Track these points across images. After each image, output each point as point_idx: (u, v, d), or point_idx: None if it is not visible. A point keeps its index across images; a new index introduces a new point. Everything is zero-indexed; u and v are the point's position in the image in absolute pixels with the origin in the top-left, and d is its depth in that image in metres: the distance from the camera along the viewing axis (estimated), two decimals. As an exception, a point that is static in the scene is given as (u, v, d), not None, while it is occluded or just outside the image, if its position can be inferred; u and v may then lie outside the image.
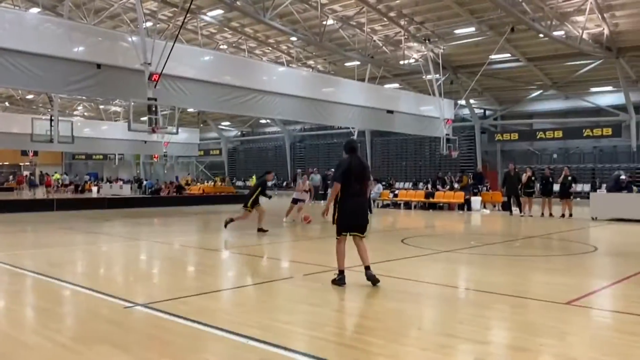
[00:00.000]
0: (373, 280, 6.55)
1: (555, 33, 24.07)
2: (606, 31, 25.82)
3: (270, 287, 7.01)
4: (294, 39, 29.16)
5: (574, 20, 24.56)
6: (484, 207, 23.10)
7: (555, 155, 35.26)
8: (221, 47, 31.34)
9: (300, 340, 4.64)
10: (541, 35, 24.19)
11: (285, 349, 4.23)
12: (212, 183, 39.20)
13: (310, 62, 34.09)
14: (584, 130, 32.86)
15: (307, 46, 30.74)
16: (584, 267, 8.85)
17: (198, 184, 39.58)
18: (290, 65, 31.98)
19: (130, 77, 15.35)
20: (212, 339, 4.60)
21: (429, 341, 4.58)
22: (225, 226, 13.14)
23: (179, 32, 16.10)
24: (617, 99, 32.15)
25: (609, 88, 32.63)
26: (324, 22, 25.77)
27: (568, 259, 9.88)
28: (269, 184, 14.41)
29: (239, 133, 54.28)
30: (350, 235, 6.74)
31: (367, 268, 6.65)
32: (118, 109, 42.46)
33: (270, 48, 32.36)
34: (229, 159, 54.37)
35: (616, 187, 17.64)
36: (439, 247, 10.74)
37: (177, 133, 30.12)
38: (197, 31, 28.49)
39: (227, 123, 52.86)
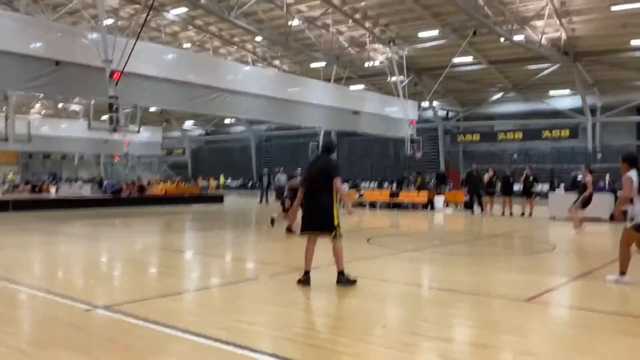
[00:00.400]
0: (343, 286, 6.51)
1: (516, 37, 24.90)
2: (564, 36, 26.72)
3: (236, 288, 6.94)
4: (259, 38, 29.12)
5: (534, 25, 25.33)
6: (447, 206, 23.52)
7: (515, 156, 36.31)
8: (185, 45, 30.94)
9: (266, 340, 4.61)
10: (502, 39, 25.01)
11: (251, 349, 4.20)
12: (174, 183, 38.53)
13: (276, 62, 33.93)
14: (543, 132, 34.16)
15: (273, 46, 30.76)
16: (543, 265, 9.03)
17: (161, 183, 38.84)
18: (256, 64, 31.88)
19: (90, 74, 14.89)
20: (175, 341, 4.52)
21: (393, 340, 4.62)
22: (272, 224, 13.10)
23: (141, 30, 15.79)
24: (574, 101, 33.43)
25: (567, 91, 33.78)
26: (290, 22, 25.78)
27: (528, 257, 10.18)
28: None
29: (203, 132, 53.64)
30: (313, 235, 6.67)
31: (339, 273, 6.59)
32: (78, 107, 41.33)
33: (235, 47, 32.14)
34: (193, 158, 53.66)
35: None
36: (404, 247, 10.89)
37: (138, 132, 29.43)
38: (160, 29, 28.13)
39: (191, 122, 52.21)
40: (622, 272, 6.89)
